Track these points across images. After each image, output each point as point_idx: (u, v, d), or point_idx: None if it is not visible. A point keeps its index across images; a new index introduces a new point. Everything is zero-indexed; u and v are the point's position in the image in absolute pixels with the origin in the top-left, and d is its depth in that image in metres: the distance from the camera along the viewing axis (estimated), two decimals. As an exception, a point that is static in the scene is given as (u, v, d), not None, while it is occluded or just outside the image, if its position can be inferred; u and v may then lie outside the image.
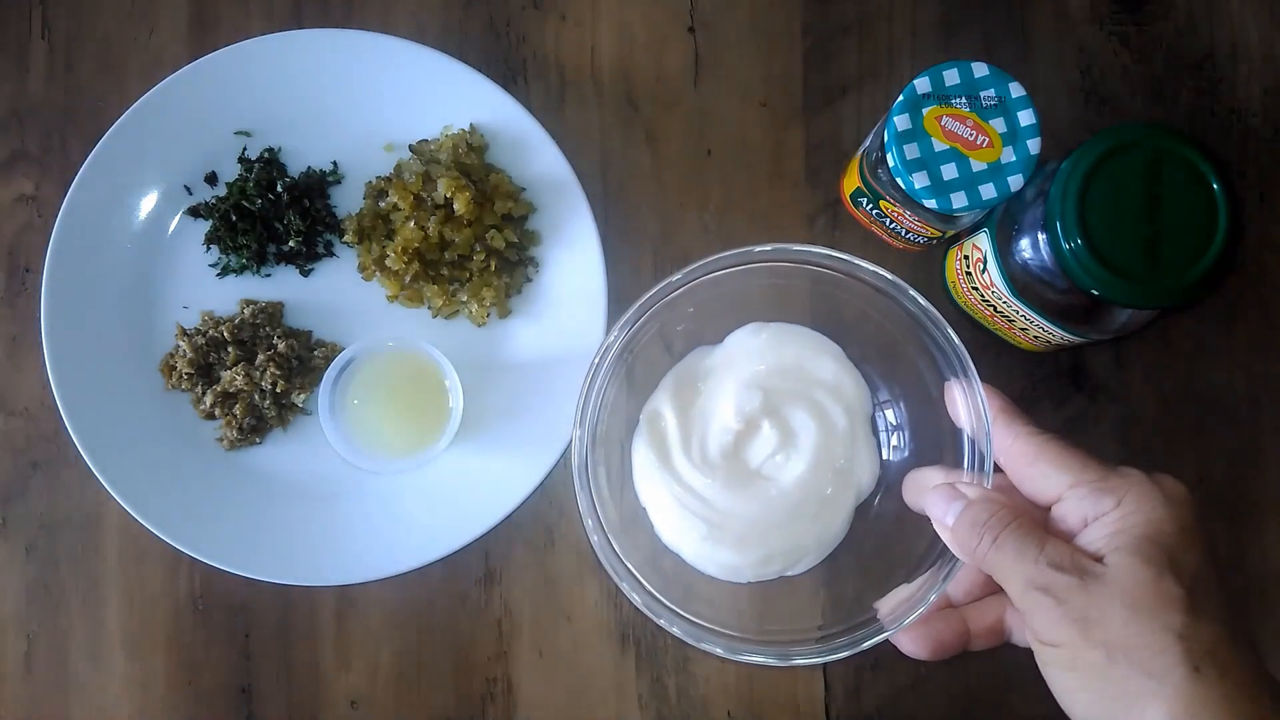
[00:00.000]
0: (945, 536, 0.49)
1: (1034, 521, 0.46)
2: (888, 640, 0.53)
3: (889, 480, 0.63)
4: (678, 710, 0.67)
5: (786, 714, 0.66)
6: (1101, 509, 0.44)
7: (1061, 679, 0.43)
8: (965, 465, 0.55)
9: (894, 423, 0.64)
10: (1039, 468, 0.47)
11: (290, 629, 0.68)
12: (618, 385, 0.62)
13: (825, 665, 0.66)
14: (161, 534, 0.64)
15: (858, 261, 0.56)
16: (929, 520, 0.51)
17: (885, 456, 0.63)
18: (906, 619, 0.53)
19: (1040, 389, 0.67)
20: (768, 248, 0.57)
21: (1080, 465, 0.46)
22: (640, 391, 0.64)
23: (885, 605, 0.56)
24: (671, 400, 0.63)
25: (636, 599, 0.56)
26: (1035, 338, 0.61)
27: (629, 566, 0.58)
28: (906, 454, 0.63)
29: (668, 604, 0.57)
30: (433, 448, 0.64)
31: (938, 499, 0.49)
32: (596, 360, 0.58)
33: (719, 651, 0.55)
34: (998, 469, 0.51)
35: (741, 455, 0.63)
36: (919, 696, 0.66)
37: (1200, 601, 0.40)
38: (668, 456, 0.62)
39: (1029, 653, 0.46)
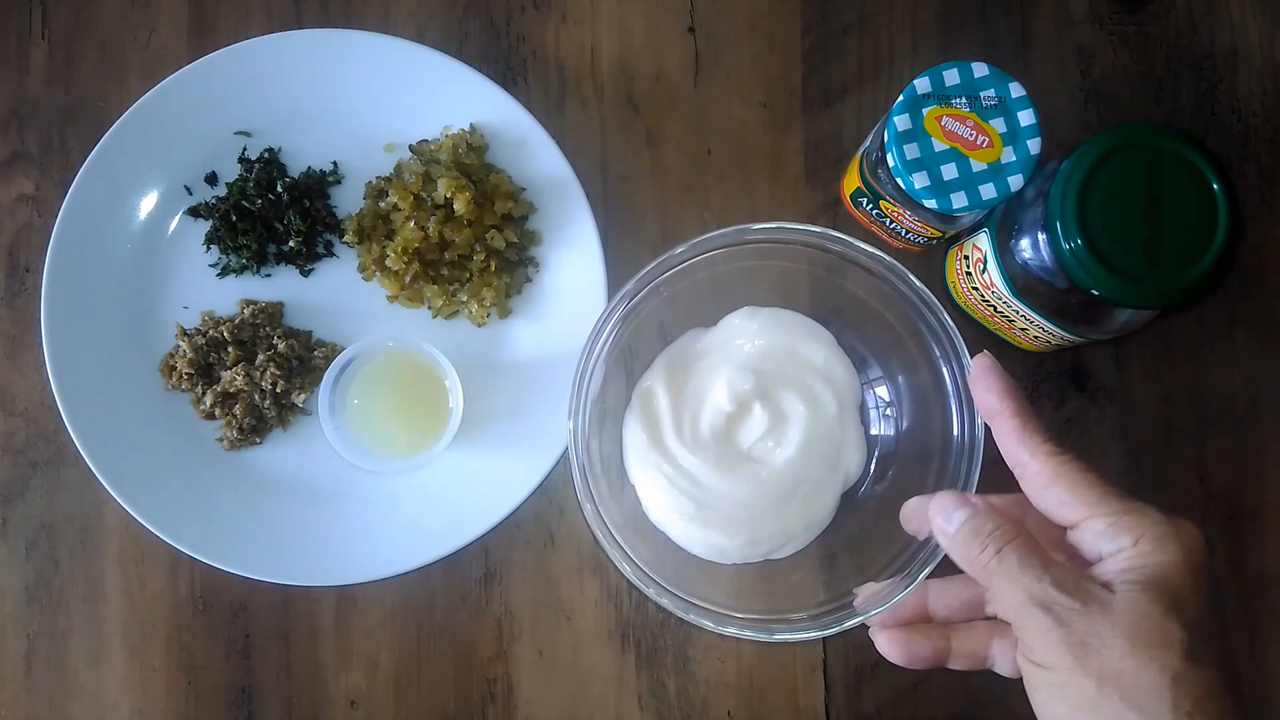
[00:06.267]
0: (945, 544, 0.48)
1: (1038, 543, 0.45)
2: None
3: (876, 466, 0.64)
4: (678, 710, 0.67)
5: (786, 714, 0.66)
6: (1118, 545, 0.43)
7: (1049, 704, 0.43)
8: (953, 455, 0.56)
9: (886, 400, 0.64)
10: (1054, 492, 0.46)
11: (290, 629, 0.68)
12: (613, 367, 0.61)
13: (824, 640, 0.66)
14: (161, 534, 0.64)
15: (856, 243, 0.56)
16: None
17: (877, 431, 0.64)
18: (873, 610, 0.53)
19: (1040, 389, 0.67)
20: (768, 226, 0.57)
21: (1097, 497, 0.44)
22: (635, 374, 0.64)
23: (861, 595, 0.56)
24: (665, 379, 0.63)
25: (626, 569, 0.56)
26: (1035, 338, 0.61)
27: (619, 540, 0.57)
28: (896, 434, 0.63)
29: (655, 577, 0.57)
30: (433, 448, 0.64)
31: (941, 505, 0.48)
32: (593, 335, 0.58)
33: (707, 624, 0.55)
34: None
35: (732, 437, 0.63)
36: (919, 697, 0.66)
37: (1199, 647, 0.40)
38: (659, 435, 0.62)
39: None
